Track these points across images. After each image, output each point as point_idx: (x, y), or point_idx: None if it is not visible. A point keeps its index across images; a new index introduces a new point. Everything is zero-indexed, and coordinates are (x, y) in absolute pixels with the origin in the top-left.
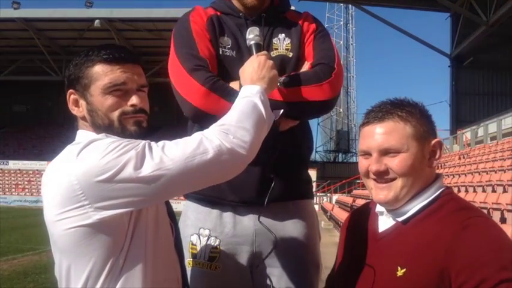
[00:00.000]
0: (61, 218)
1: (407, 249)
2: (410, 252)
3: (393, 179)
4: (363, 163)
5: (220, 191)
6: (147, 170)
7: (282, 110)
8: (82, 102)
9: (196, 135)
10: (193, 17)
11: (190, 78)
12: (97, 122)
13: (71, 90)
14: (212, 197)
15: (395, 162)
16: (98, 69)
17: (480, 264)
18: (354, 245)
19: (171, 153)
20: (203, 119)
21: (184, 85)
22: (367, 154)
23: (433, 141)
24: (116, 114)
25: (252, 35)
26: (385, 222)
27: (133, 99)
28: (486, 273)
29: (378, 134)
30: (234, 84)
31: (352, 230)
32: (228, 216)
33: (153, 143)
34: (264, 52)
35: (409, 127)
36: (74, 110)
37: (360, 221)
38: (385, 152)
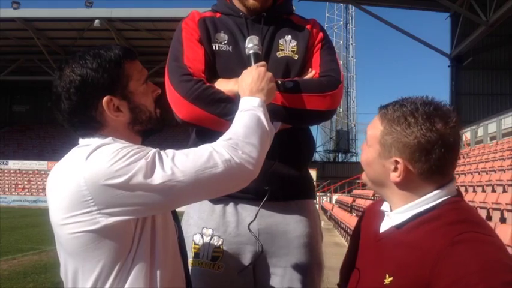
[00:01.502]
0: (68, 222)
1: (397, 257)
2: (400, 260)
3: None
4: None
5: None
6: (157, 180)
7: (280, 123)
8: (123, 103)
9: (206, 148)
10: (185, 23)
11: (175, 92)
12: (141, 118)
13: (108, 97)
14: None
15: (363, 151)
16: (128, 67)
17: (465, 284)
18: (358, 242)
19: (181, 165)
20: (194, 127)
21: (171, 97)
22: None
23: (393, 158)
24: (153, 104)
25: (251, 44)
26: (385, 223)
27: (156, 88)
28: None
29: (370, 123)
30: (229, 83)
31: (361, 226)
32: (231, 215)
33: (162, 152)
34: (263, 63)
35: (381, 131)
36: (119, 116)
37: (368, 218)
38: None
